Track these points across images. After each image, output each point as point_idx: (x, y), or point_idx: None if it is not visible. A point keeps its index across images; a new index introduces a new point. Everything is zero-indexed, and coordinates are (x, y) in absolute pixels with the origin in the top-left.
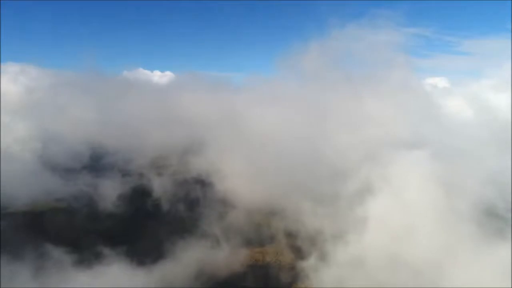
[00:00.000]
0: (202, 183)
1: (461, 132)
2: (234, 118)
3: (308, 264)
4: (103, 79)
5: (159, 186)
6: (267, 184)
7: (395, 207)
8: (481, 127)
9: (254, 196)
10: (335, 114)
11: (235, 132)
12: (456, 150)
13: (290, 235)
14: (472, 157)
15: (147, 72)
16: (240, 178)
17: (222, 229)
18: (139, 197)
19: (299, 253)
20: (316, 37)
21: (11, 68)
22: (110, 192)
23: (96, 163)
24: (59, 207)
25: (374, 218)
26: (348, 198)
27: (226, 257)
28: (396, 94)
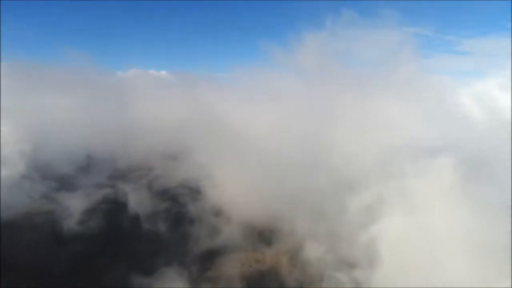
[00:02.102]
0: (190, 193)
1: (480, 136)
2: (225, 119)
3: None
4: (93, 78)
5: (137, 198)
6: (260, 196)
7: (413, 229)
8: (496, 128)
9: (244, 214)
10: (340, 116)
11: (226, 136)
12: (481, 156)
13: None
14: (498, 166)
15: (142, 71)
16: (231, 189)
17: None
18: (111, 212)
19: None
20: (315, 34)
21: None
22: (77, 206)
23: (66, 174)
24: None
25: (387, 242)
26: (355, 215)
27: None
28: (409, 94)
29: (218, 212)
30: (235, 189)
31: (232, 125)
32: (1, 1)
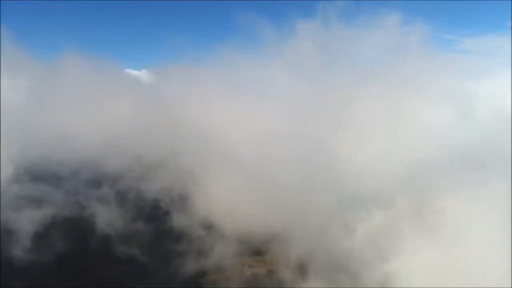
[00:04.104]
0: (174, 204)
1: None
2: (210, 119)
3: None
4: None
5: (110, 212)
6: (254, 208)
7: (443, 265)
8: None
9: (238, 228)
10: (347, 117)
11: (213, 139)
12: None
13: None
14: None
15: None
16: (223, 199)
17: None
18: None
19: None
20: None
21: None
22: (26, 227)
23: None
24: None
25: (406, 281)
26: (364, 241)
27: None
28: (435, 94)
29: (208, 226)
30: (227, 199)
31: (218, 125)
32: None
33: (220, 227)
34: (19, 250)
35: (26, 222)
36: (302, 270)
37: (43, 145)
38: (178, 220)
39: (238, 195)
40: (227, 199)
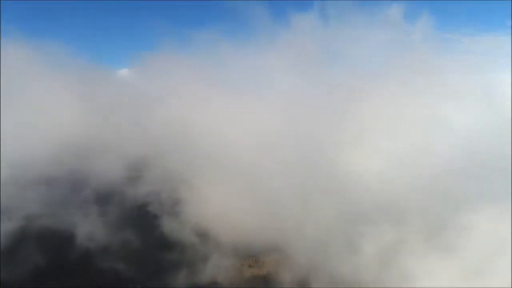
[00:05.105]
0: (164, 212)
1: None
2: (203, 119)
3: None
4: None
5: (91, 224)
6: (245, 220)
7: None
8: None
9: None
10: (355, 118)
11: (205, 142)
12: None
13: None
14: None
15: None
16: (217, 206)
17: None
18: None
19: None
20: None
21: None
22: None
23: None
24: None
25: None
26: (372, 264)
27: None
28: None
29: (202, 233)
30: (220, 203)
31: (209, 124)
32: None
33: (215, 235)
34: None
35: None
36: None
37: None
38: (168, 227)
39: (232, 199)
40: (221, 203)
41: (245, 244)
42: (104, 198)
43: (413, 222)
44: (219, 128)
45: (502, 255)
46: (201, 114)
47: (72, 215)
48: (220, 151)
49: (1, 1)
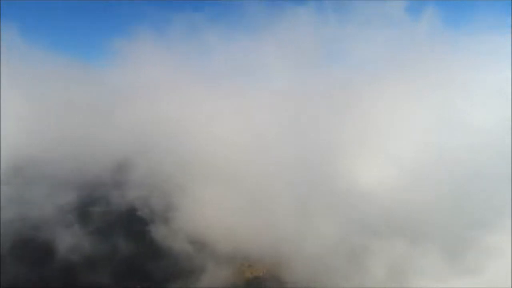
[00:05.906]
0: (154, 218)
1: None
2: (195, 117)
3: None
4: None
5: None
6: (242, 226)
7: None
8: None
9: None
10: (361, 119)
11: (198, 142)
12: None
13: None
14: None
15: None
16: (211, 211)
17: None
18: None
19: None
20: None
21: None
22: None
23: None
24: None
25: None
26: (391, 280)
27: None
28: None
29: (195, 240)
30: (215, 207)
31: (204, 124)
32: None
33: (209, 242)
34: None
35: None
36: None
37: None
38: (159, 234)
39: (227, 203)
40: (215, 207)
41: (242, 253)
42: (87, 203)
43: (430, 238)
44: (211, 127)
45: None
46: (189, 111)
47: (51, 222)
48: (212, 150)
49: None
